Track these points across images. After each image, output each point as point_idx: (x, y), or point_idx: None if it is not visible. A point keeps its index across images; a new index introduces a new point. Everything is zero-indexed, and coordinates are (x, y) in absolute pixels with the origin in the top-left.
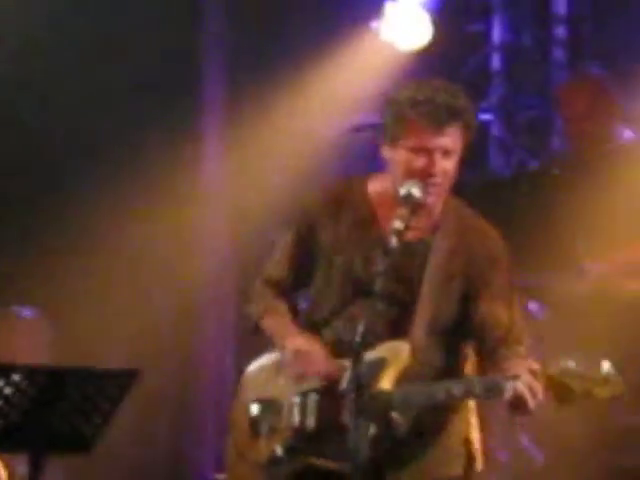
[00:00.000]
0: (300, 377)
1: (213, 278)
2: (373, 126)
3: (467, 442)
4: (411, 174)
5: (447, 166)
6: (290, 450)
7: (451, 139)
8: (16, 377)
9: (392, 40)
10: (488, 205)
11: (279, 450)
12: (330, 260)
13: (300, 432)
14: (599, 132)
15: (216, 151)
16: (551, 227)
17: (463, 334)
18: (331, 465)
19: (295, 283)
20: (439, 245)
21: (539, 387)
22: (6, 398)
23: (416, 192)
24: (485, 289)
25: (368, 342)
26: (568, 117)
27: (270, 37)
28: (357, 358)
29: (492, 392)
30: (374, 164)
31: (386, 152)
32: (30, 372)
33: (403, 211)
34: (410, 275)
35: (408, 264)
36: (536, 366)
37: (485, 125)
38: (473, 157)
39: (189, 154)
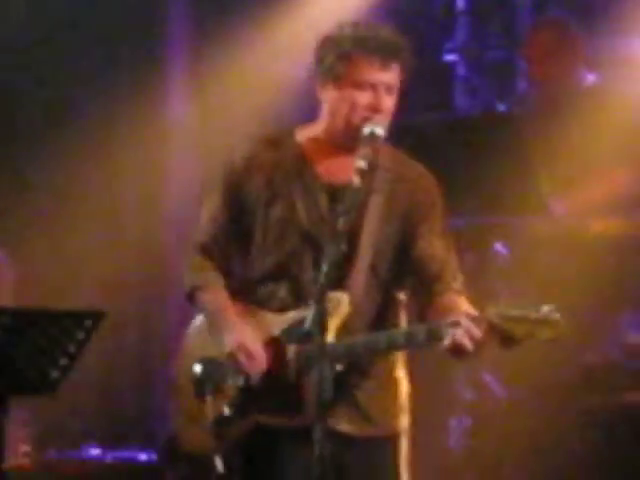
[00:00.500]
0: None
1: (180, 218)
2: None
3: (406, 394)
4: (357, 110)
5: (389, 103)
6: (237, 409)
7: (394, 75)
8: None
9: None
10: (453, 146)
11: (226, 410)
12: (266, 213)
13: (246, 391)
14: (562, 75)
15: (182, 92)
16: (516, 168)
17: (400, 278)
18: (278, 421)
19: (229, 243)
20: (379, 189)
21: (478, 332)
22: None
23: (379, 131)
24: (422, 227)
25: (330, 283)
26: (532, 59)
27: None
28: (321, 298)
29: (433, 339)
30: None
31: (327, 93)
32: None
33: (366, 150)
34: (350, 220)
35: (346, 210)
36: (474, 312)
37: (450, 66)
38: (439, 97)
39: (155, 95)
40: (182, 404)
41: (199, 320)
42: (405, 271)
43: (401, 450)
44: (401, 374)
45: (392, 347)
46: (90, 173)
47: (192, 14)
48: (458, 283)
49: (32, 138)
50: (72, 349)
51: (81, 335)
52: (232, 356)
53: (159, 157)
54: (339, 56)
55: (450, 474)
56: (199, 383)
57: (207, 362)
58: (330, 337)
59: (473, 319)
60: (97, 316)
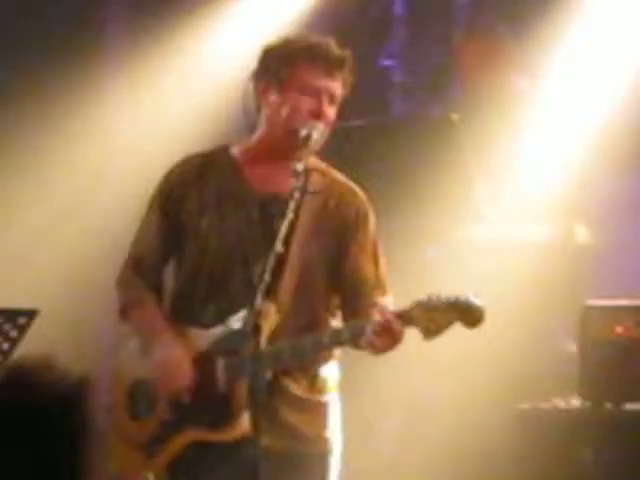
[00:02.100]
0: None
1: (109, 227)
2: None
3: (333, 419)
4: (298, 115)
5: (330, 113)
6: (171, 426)
7: (338, 85)
8: None
9: None
10: (389, 149)
11: (160, 428)
12: (197, 227)
13: (179, 408)
14: (495, 81)
15: (117, 97)
16: (451, 172)
17: (330, 291)
18: (211, 436)
19: (163, 260)
20: (310, 203)
21: (396, 324)
22: None
23: (316, 134)
24: (353, 245)
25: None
26: (465, 67)
27: None
28: (255, 301)
29: (357, 337)
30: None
31: (269, 98)
32: None
33: (303, 152)
34: (278, 229)
35: (278, 220)
36: (388, 307)
37: (387, 71)
38: (375, 102)
39: (89, 99)
40: (115, 423)
41: (132, 342)
42: (336, 286)
43: (328, 468)
44: (331, 395)
45: (317, 348)
46: (18, 169)
47: (129, 17)
48: (390, 299)
49: None
50: (5, 347)
51: (14, 333)
52: (161, 372)
53: (92, 162)
54: (285, 61)
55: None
56: (133, 405)
57: (140, 383)
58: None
59: (387, 313)
60: (30, 314)
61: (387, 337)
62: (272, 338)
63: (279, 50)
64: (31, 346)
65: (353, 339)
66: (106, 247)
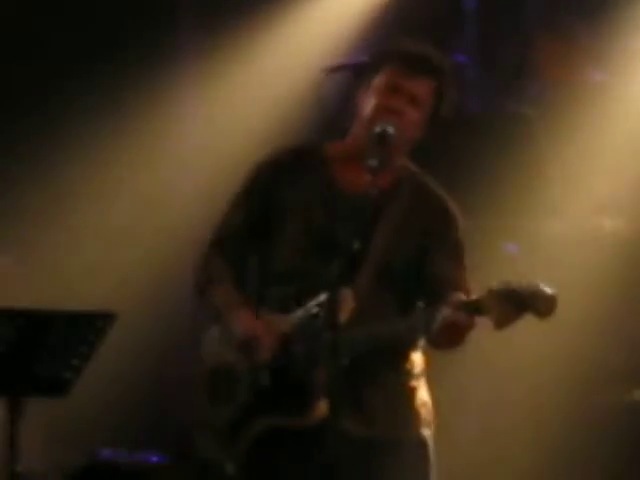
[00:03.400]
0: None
1: (191, 214)
2: (349, 67)
3: (423, 405)
4: (379, 112)
5: (413, 115)
6: (250, 412)
7: (424, 89)
8: None
9: None
10: (464, 146)
11: (239, 414)
12: (283, 220)
13: (257, 393)
14: (572, 77)
15: (192, 92)
16: (527, 168)
17: (413, 290)
18: (289, 421)
19: (243, 247)
20: (397, 200)
21: (466, 316)
22: None
23: (390, 129)
24: (439, 249)
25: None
26: (541, 63)
27: None
28: (332, 297)
29: (433, 324)
30: (349, 106)
31: (359, 99)
32: (8, 316)
33: (377, 149)
34: (364, 225)
35: (364, 215)
36: (462, 299)
37: (460, 67)
38: None
39: (163, 96)
40: (196, 410)
41: (211, 331)
42: (419, 286)
43: (410, 457)
44: (417, 384)
45: (394, 336)
46: (100, 171)
47: (202, 14)
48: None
49: (42, 136)
50: (84, 350)
51: (93, 337)
52: (242, 343)
53: (165, 166)
54: (375, 62)
55: (462, 473)
56: (213, 392)
57: (220, 369)
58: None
59: (465, 303)
60: (109, 317)
61: (459, 321)
62: (349, 324)
63: (373, 53)
64: (111, 349)
65: (427, 327)
66: (185, 246)
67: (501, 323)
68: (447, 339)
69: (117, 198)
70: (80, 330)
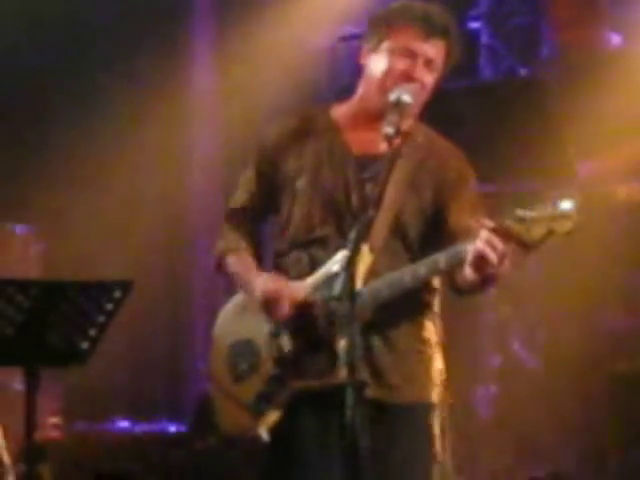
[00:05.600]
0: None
1: (204, 197)
2: (361, 36)
3: (439, 373)
4: (391, 76)
5: (427, 78)
6: (275, 381)
7: (436, 51)
8: (10, 290)
9: None
10: (478, 111)
11: (265, 386)
12: (294, 184)
13: (280, 360)
14: (587, 39)
15: (205, 67)
16: (542, 133)
17: (429, 245)
18: (313, 383)
19: (260, 215)
20: (408, 156)
21: (497, 240)
22: (0, 312)
23: (407, 98)
24: (454, 202)
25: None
26: (556, 25)
27: None
28: (349, 265)
29: (456, 261)
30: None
31: (367, 59)
32: (24, 285)
33: (393, 116)
34: (377, 186)
35: (376, 177)
36: (490, 223)
37: (474, 33)
38: (463, 65)
39: (179, 71)
40: (219, 385)
41: (230, 305)
42: (435, 242)
43: (426, 422)
44: (432, 350)
45: (415, 279)
46: (115, 152)
47: None
48: None
49: (59, 118)
50: (101, 320)
51: (110, 306)
52: (263, 302)
53: (183, 134)
54: (385, 23)
55: (477, 442)
56: (234, 367)
57: (240, 345)
58: (357, 284)
59: (491, 229)
60: (126, 286)
61: (490, 253)
62: (367, 278)
63: (381, 13)
64: (126, 317)
65: (450, 265)
66: (202, 219)
67: (527, 248)
68: (480, 278)
69: (129, 178)
70: (97, 300)
